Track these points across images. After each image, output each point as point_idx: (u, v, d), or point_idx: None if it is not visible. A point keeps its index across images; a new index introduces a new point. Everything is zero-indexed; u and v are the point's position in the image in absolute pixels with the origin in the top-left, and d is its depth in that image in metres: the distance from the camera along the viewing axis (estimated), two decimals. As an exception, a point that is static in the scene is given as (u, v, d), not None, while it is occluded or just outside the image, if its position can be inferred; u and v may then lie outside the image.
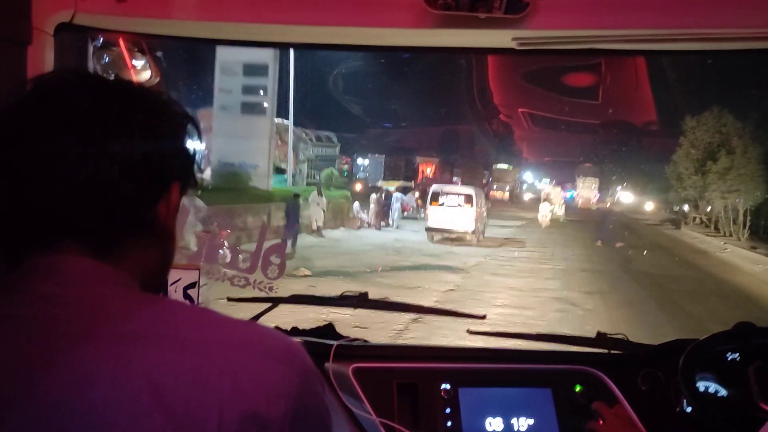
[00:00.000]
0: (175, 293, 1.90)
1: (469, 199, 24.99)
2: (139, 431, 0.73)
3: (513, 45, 1.80)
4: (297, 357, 0.88)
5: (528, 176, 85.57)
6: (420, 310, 2.32)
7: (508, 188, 66.62)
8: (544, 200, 37.58)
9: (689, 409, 1.81)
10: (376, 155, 60.63)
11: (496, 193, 63.05)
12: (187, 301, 1.92)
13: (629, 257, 22.51)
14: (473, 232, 24.15)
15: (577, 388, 1.88)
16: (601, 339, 2.10)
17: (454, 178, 61.13)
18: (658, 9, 1.71)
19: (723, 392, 1.85)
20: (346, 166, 58.11)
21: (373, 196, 28.89)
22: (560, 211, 37.98)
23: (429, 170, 62.24)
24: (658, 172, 49.86)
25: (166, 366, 0.77)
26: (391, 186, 37.75)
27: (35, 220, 0.86)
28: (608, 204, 66.16)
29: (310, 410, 0.88)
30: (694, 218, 40.70)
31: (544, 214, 34.33)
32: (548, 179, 74.19)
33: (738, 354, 1.86)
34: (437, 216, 24.44)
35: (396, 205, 29.74)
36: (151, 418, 0.74)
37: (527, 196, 62.92)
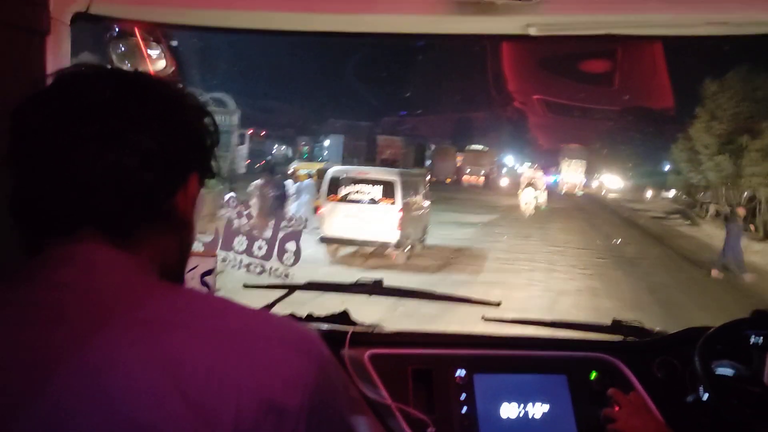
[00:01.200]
0: (192, 280, 1.92)
1: (388, 190, 14.76)
2: (158, 417, 0.74)
3: (528, 31, 1.79)
4: (314, 347, 0.89)
5: (509, 160, 77.92)
6: (434, 297, 2.33)
7: (483, 172, 58.85)
8: (527, 185, 33.07)
9: (705, 396, 1.81)
10: (335, 136, 52.74)
11: (471, 178, 57.44)
12: (205, 289, 1.94)
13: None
14: (399, 244, 14.37)
15: (593, 375, 1.89)
16: (616, 326, 2.10)
17: (427, 162, 58.14)
18: None
19: (740, 380, 1.85)
20: (305, 148, 52.06)
21: (254, 185, 15.57)
22: (542, 198, 34.19)
23: (389, 152, 53.56)
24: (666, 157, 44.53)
25: (184, 353, 0.78)
26: (310, 169, 26.46)
27: (56, 208, 0.88)
28: (602, 191, 62.07)
29: (326, 399, 0.88)
30: (714, 211, 30.86)
31: (527, 201, 30.70)
32: (529, 163, 65.64)
33: (759, 339, 1.85)
34: (338, 217, 14.48)
35: (303, 199, 17.32)
36: (169, 404, 0.75)
37: (504, 182, 55.14)
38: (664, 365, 1.93)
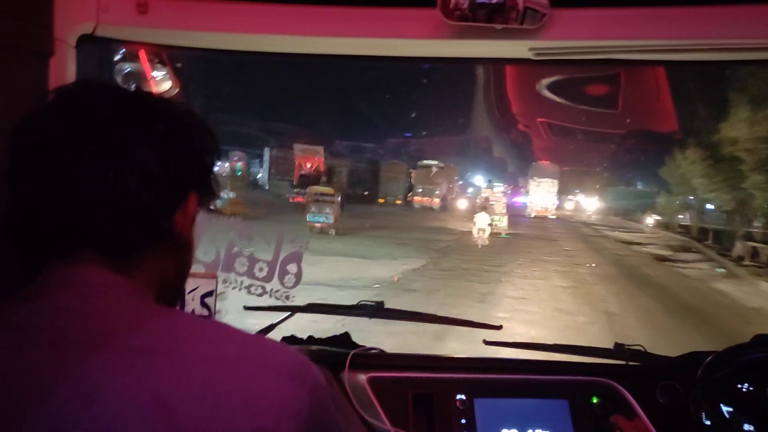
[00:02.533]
0: (193, 301, 1.91)
1: None
2: None
3: (530, 55, 1.80)
4: (308, 375, 0.88)
5: (478, 179, 72.05)
6: (435, 319, 2.33)
7: (437, 192, 51.47)
8: (481, 209, 28.12)
9: (708, 422, 1.79)
10: (267, 149, 48.84)
11: (423, 199, 49.84)
12: (205, 311, 1.94)
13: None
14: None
15: (595, 400, 1.87)
16: (618, 350, 2.09)
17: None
18: (675, 19, 1.71)
19: (742, 404, 1.83)
20: (239, 164, 45.25)
21: None
22: (502, 223, 29.96)
23: (309, 165, 47.59)
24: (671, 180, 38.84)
25: (175, 382, 0.77)
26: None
27: (55, 227, 0.87)
28: (584, 215, 56.34)
29: (320, 428, 0.87)
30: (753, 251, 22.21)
31: (481, 227, 25.30)
32: (487, 181, 59.24)
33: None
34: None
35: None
36: None
37: (463, 204, 46.25)
38: (667, 390, 1.91)
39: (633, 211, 53.98)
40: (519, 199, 56.81)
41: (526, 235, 31.82)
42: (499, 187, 76.92)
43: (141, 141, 0.89)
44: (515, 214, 43.15)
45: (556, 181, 53.56)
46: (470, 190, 69.03)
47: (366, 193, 53.51)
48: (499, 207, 32.68)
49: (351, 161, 55.78)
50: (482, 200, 33.57)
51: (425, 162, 54.83)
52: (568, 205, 66.83)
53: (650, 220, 42.05)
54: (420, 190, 51.74)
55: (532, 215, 49.19)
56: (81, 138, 0.87)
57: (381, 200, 50.74)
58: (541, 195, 52.72)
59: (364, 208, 41.03)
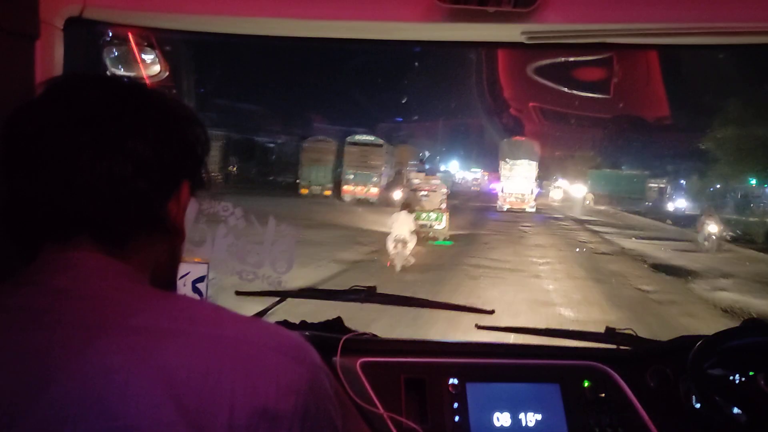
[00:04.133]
0: (184, 287, 1.91)
1: None
2: (151, 424, 0.75)
3: (522, 39, 1.79)
4: (307, 353, 0.91)
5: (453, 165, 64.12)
6: (428, 304, 2.33)
7: (375, 179, 36.96)
8: (405, 207, 16.46)
9: (698, 406, 1.80)
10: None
11: (355, 189, 36.25)
12: (197, 296, 1.93)
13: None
14: None
15: (586, 384, 1.88)
16: (609, 334, 2.10)
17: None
18: (669, 2, 1.70)
19: (732, 388, 1.85)
20: None
21: None
22: (440, 225, 19.73)
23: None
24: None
25: (178, 361, 0.79)
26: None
27: (51, 215, 0.89)
28: (583, 204, 44.85)
29: (319, 405, 0.89)
30: None
31: (400, 239, 14.63)
32: (416, 162, 43.86)
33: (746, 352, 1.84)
34: None
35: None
36: (163, 411, 0.76)
37: (398, 195, 27.82)
38: (657, 374, 1.92)
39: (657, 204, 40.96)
40: (496, 185, 43.51)
41: (480, 239, 21.32)
42: (475, 173, 70.56)
43: (134, 130, 0.91)
44: (483, 207, 36.92)
45: (534, 163, 39.61)
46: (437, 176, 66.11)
47: (282, 180, 42.54)
48: (435, 200, 21.45)
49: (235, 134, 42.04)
50: (408, 195, 21.86)
51: (357, 138, 38.07)
52: (555, 194, 54.55)
53: (712, 226, 20.99)
54: (351, 177, 37.14)
55: (504, 208, 36.38)
56: (74, 128, 0.88)
57: (303, 190, 37.26)
58: (516, 181, 38.54)
59: (264, 200, 25.67)
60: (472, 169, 71.29)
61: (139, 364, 0.77)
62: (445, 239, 19.60)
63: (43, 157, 0.88)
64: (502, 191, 38.60)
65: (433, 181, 23.96)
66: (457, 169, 75.63)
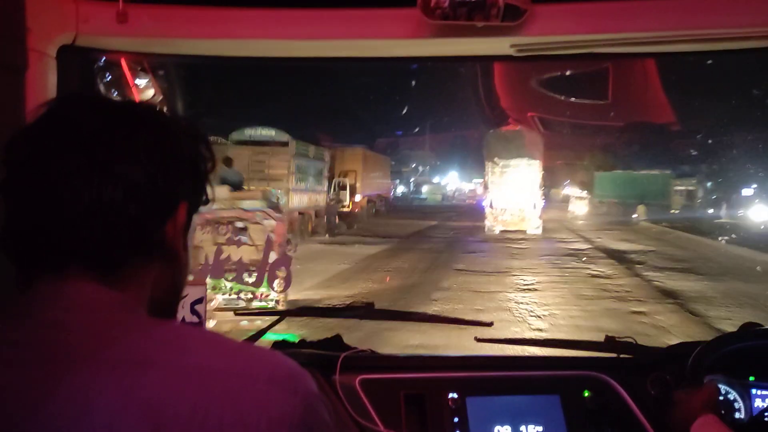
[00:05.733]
0: (183, 309, 1.91)
1: None
2: None
3: (512, 52, 1.81)
4: (300, 383, 0.86)
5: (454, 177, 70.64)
6: (426, 318, 2.33)
7: (276, 195, 17.98)
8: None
9: None
10: None
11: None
12: (195, 318, 1.93)
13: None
14: None
15: (586, 394, 1.88)
16: (609, 343, 2.09)
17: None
18: (655, 11, 1.71)
19: (733, 394, 1.85)
20: None
21: None
22: (265, 297, 5.76)
23: None
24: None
25: (166, 395, 0.76)
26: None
27: (43, 245, 0.87)
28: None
29: None
30: None
31: None
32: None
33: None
34: None
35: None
36: None
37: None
38: (657, 382, 1.92)
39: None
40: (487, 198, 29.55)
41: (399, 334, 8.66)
42: (475, 185, 62.67)
43: (125, 154, 0.88)
44: (465, 229, 28.55)
45: (536, 163, 28.30)
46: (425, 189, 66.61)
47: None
48: (258, 237, 8.38)
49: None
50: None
51: (263, 132, 24.63)
52: (577, 207, 40.37)
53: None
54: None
55: (496, 230, 26.59)
56: (64, 153, 0.86)
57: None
58: (510, 190, 27.64)
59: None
60: (474, 180, 68.74)
61: (124, 400, 0.75)
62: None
63: (33, 186, 0.86)
64: (491, 206, 27.57)
65: (251, 204, 11.63)
66: (457, 181, 74.72)
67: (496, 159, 28.66)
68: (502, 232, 25.96)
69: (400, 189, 68.44)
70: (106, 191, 0.85)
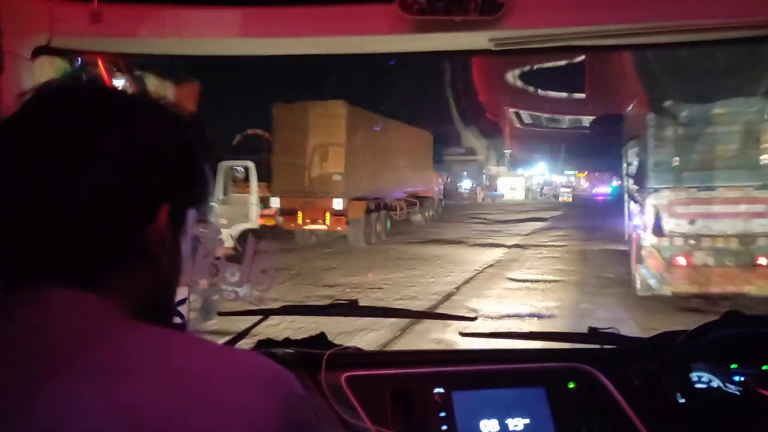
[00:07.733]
0: (165, 311, 1.89)
1: None
2: None
3: (490, 46, 1.81)
4: (282, 384, 0.84)
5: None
6: (411, 314, 2.33)
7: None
8: None
9: (683, 401, 1.81)
10: None
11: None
12: (178, 320, 1.91)
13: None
14: None
15: (571, 386, 1.89)
16: (593, 334, 2.10)
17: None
18: (633, 3, 1.72)
19: (716, 381, 1.86)
20: None
21: None
22: None
23: None
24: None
25: (144, 400, 0.74)
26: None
27: (18, 250, 0.84)
28: None
29: None
30: None
31: None
32: None
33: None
34: None
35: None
36: None
37: None
38: (641, 371, 1.93)
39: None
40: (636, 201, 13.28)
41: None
42: (568, 176, 52.23)
43: (95, 156, 0.83)
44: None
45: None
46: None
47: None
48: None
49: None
50: None
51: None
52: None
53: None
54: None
55: (662, 291, 10.59)
56: (34, 156, 0.82)
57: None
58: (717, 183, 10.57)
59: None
60: (566, 172, 57.93)
61: (102, 406, 0.73)
62: None
63: (4, 191, 0.82)
64: (656, 229, 10.85)
65: None
66: (545, 172, 58.98)
67: (669, 105, 11.51)
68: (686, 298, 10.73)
69: (466, 184, 57.62)
70: (76, 199, 0.82)
